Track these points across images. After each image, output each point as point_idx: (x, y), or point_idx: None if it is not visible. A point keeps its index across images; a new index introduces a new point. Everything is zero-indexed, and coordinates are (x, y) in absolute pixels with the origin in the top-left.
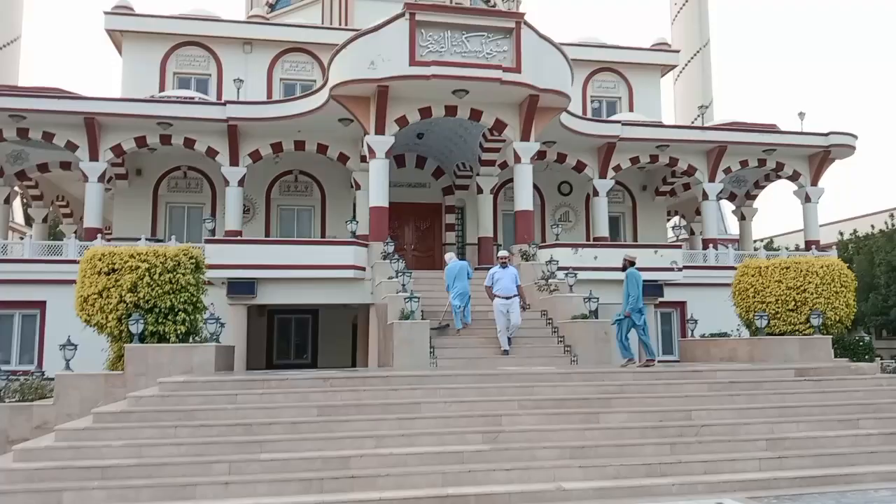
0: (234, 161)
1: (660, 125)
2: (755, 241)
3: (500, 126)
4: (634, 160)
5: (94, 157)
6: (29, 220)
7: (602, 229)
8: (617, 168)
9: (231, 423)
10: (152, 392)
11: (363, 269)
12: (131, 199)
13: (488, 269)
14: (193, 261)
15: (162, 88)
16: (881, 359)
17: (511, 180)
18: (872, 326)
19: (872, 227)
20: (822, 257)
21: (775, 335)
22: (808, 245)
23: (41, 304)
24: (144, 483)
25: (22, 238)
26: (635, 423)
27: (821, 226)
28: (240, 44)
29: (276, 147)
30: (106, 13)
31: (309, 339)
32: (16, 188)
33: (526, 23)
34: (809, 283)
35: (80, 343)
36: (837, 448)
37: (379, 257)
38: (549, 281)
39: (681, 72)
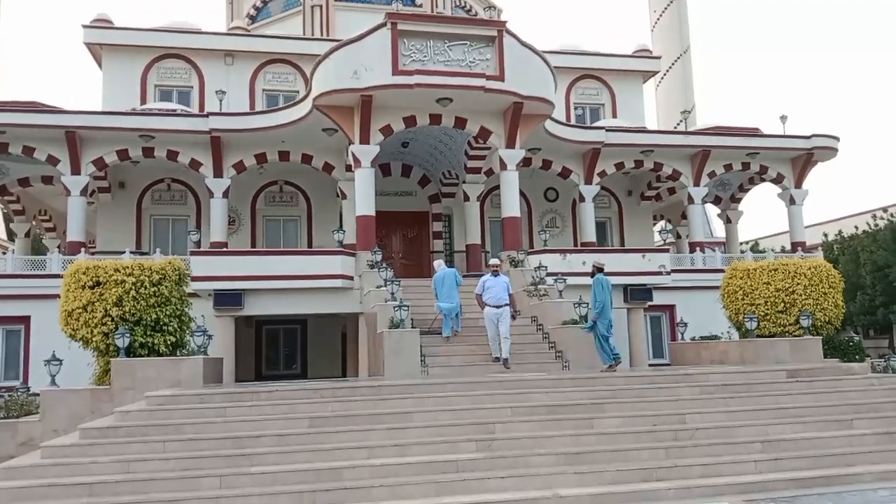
0: (218, 173)
1: (644, 130)
2: (741, 244)
3: (484, 134)
4: (619, 165)
5: (75, 170)
6: (11, 235)
7: (589, 234)
8: (602, 174)
9: (220, 436)
10: (139, 406)
11: (351, 278)
12: (115, 212)
13: (478, 276)
14: (178, 273)
15: (143, 101)
16: (870, 358)
17: (497, 187)
18: (860, 326)
19: (856, 227)
20: (810, 259)
21: (765, 337)
22: (795, 247)
23: (25, 320)
24: (133, 499)
25: (4, 253)
26: (629, 427)
27: (806, 227)
28: (221, 55)
29: (261, 158)
30: (84, 27)
31: (298, 349)
32: None
33: (508, 31)
34: (798, 284)
35: (65, 358)
36: (833, 448)
37: (367, 266)
38: (539, 287)
39: (662, 77)
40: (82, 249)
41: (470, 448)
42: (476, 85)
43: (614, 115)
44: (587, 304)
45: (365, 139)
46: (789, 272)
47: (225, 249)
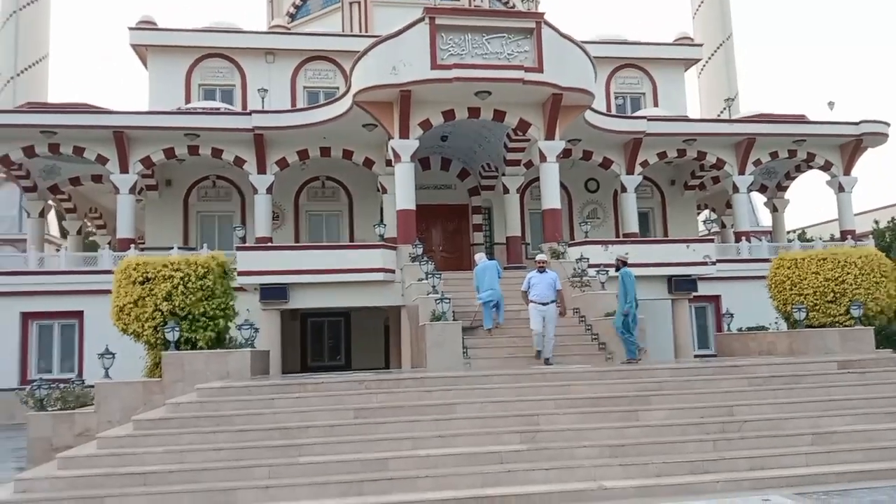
0: (261, 169)
1: (686, 119)
2: (788, 233)
3: (524, 126)
4: (662, 155)
5: (124, 169)
6: (64, 233)
7: (632, 225)
8: (644, 163)
9: (269, 427)
10: (190, 398)
11: (392, 271)
12: (162, 209)
13: (518, 268)
14: (222, 268)
15: (188, 100)
16: None
17: (537, 179)
18: None
19: None
20: (860, 247)
21: (814, 327)
22: (844, 235)
23: (79, 315)
24: (186, 488)
25: (58, 250)
26: (676, 420)
27: (855, 215)
28: (262, 54)
29: (303, 154)
30: (130, 29)
31: (342, 340)
32: (49, 202)
33: (546, 22)
34: (848, 273)
35: (117, 351)
36: (886, 441)
37: (408, 260)
38: (581, 279)
39: (704, 65)
40: (132, 246)
41: (514, 440)
42: (514, 77)
43: (655, 104)
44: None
45: (404, 134)
46: (839, 261)
47: (269, 245)
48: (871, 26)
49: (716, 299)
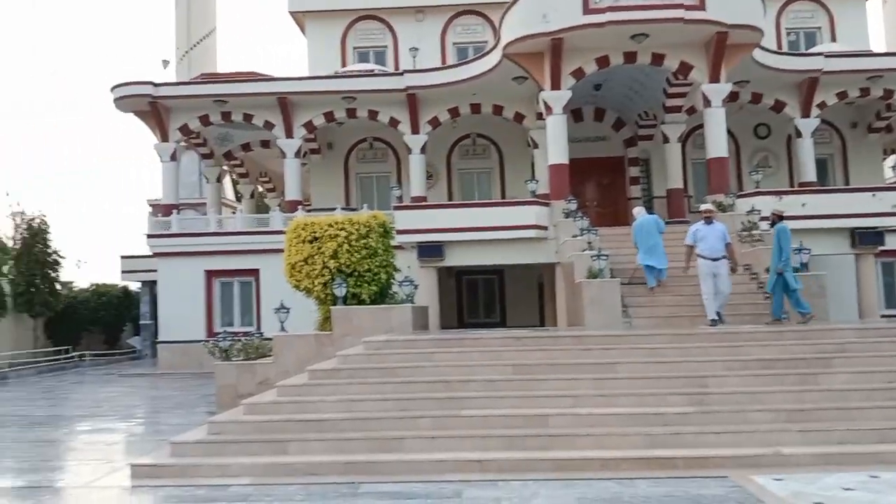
0: (414, 129)
1: (869, 54)
2: None
3: (685, 69)
4: (841, 95)
5: (289, 134)
6: (238, 196)
7: (808, 174)
8: (821, 105)
9: (431, 380)
10: (358, 351)
11: (545, 228)
12: (325, 171)
13: (680, 223)
14: (382, 227)
15: (343, 64)
16: None
17: (700, 126)
18: None
19: None
20: None
21: None
22: None
23: (255, 272)
24: (356, 436)
25: (234, 213)
26: (860, 384)
27: None
28: (412, 13)
29: (453, 112)
30: None
31: (496, 298)
32: (225, 167)
33: None
34: None
35: (291, 306)
36: None
37: (561, 216)
38: (752, 232)
39: None
40: (299, 207)
41: (680, 402)
42: (674, 17)
43: (833, 39)
44: (808, 250)
45: (556, 84)
46: None
47: (424, 203)
48: None
49: None
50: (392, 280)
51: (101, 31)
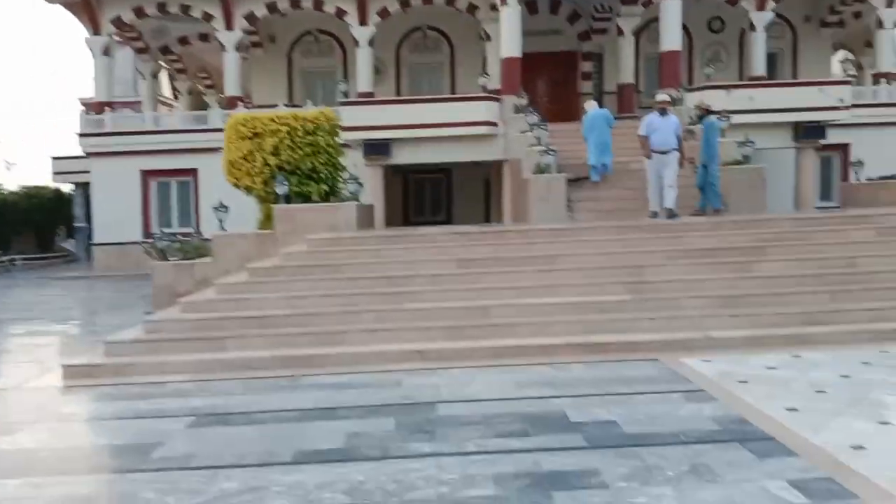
0: (362, 20)
1: None
2: None
3: None
4: None
5: (229, 26)
6: (175, 94)
7: (758, 68)
8: None
9: (375, 276)
10: (301, 248)
11: (495, 124)
12: (267, 66)
13: (630, 118)
14: (331, 123)
15: None
16: None
17: (656, 19)
18: None
19: None
20: None
21: None
22: None
23: (193, 172)
24: (299, 331)
25: (171, 111)
26: (792, 271)
27: None
28: None
29: (404, 2)
30: None
31: (443, 197)
32: (161, 62)
33: None
34: None
35: (231, 206)
36: None
37: (512, 112)
38: (689, 127)
39: None
40: (239, 104)
41: (619, 290)
42: None
43: None
44: (752, 143)
45: None
46: None
47: (371, 99)
48: None
49: (843, 148)
50: (339, 180)
51: None
